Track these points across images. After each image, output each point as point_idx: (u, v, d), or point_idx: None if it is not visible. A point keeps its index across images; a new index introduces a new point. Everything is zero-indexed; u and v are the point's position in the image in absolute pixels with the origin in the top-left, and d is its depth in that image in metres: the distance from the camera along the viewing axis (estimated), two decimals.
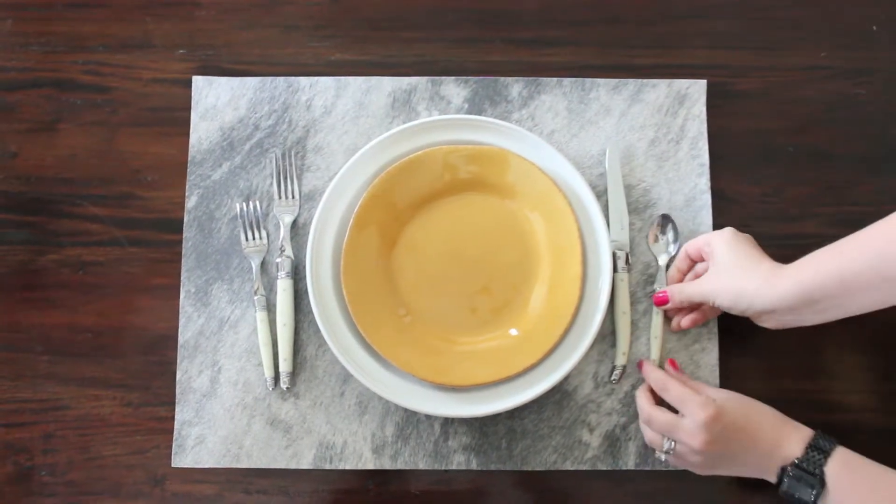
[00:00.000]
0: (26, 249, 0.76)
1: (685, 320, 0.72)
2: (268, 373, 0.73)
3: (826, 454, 0.61)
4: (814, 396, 0.74)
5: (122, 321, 0.75)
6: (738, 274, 0.66)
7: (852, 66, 0.80)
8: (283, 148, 0.77)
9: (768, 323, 0.67)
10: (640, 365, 0.72)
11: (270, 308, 0.74)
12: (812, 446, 0.62)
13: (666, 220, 0.75)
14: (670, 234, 0.75)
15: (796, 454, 0.62)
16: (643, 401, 0.69)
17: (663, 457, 0.67)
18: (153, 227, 0.77)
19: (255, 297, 0.74)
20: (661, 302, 0.71)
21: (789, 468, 0.61)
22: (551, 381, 0.70)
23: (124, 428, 0.73)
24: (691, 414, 0.64)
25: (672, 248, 0.75)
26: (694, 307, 0.73)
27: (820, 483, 0.60)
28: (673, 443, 0.65)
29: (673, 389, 0.66)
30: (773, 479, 0.63)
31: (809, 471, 0.61)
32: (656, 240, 0.75)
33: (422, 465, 0.72)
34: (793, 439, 0.62)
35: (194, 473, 0.73)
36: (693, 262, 0.73)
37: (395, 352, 0.71)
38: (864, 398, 0.74)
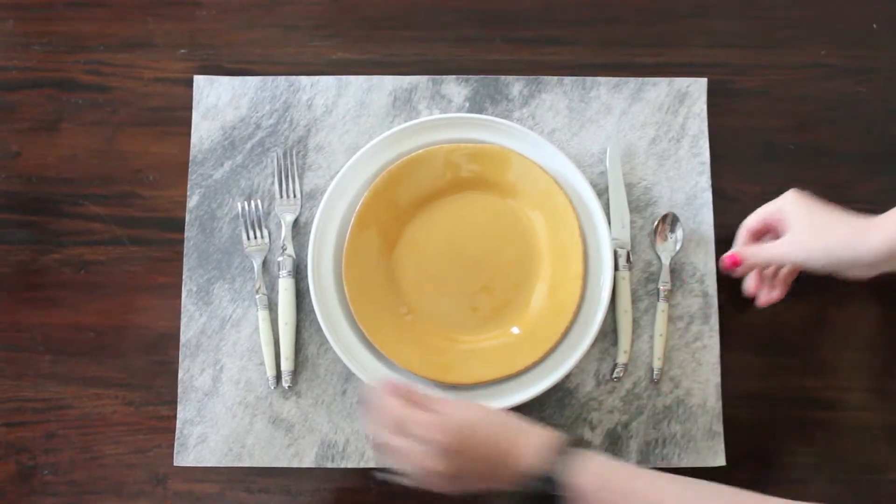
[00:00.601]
0: (28, 249, 0.76)
1: (776, 294, 0.72)
2: (269, 371, 0.73)
3: (566, 460, 0.56)
4: (814, 394, 0.74)
5: (124, 320, 0.75)
6: (823, 230, 0.65)
7: (853, 65, 0.80)
8: (285, 147, 0.77)
9: (860, 273, 0.66)
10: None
11: (272, 307, 0.74)
12: (552, 452, 0.57)
13: (675, 218, 0.75)
14: (679, 233, 0.75)
15: (536, 462, 0.57)
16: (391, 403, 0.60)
17: (400, 478, 0.60)
18: (155, 226, 0.77)
19: (257, 296, 0.74)
20: (732, 265, 0.69)
21: (527, 477, 0.57)
22: (553, 379, 0.70)
23: (126, 427, 0.73)
24: (425, 441, 0.58)
25: (678, 247, 0.75)
26: (770, 275, 0.72)
27: (559, 489, 0.55)
28: (411, 466, 0.59)
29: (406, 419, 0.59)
30: (517, 488, 0.58)
31: (547, 478, 0.56)
32: (665, 238, 0.75)
33: None
34: (532, 447, 0.58)
35: (196, 472, 0.73)
36: (758, 239, 0.71)
37: (396, 350, 0.71)
38: (865, 396, 0.74)
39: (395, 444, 0.59)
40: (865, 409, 0.73)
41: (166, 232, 0.76)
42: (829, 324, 0.75)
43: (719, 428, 0.72)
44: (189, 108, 0.78)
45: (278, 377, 0.73)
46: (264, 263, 0.75)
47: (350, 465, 0.72)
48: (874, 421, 0.73)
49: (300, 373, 0.73)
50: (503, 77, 0.79)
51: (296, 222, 0.76)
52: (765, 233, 0.71)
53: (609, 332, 0.74)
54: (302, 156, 0.77)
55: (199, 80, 0.79)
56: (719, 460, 0.72)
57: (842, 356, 0.74)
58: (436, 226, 0.75)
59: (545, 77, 0.79)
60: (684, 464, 0.72)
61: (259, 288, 0.74)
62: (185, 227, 0.76)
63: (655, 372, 0.73)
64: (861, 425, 0.73)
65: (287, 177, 0.77)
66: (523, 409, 0.73)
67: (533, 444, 0.58)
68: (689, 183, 0.77)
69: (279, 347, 0.73)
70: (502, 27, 0.81)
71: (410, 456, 0.58)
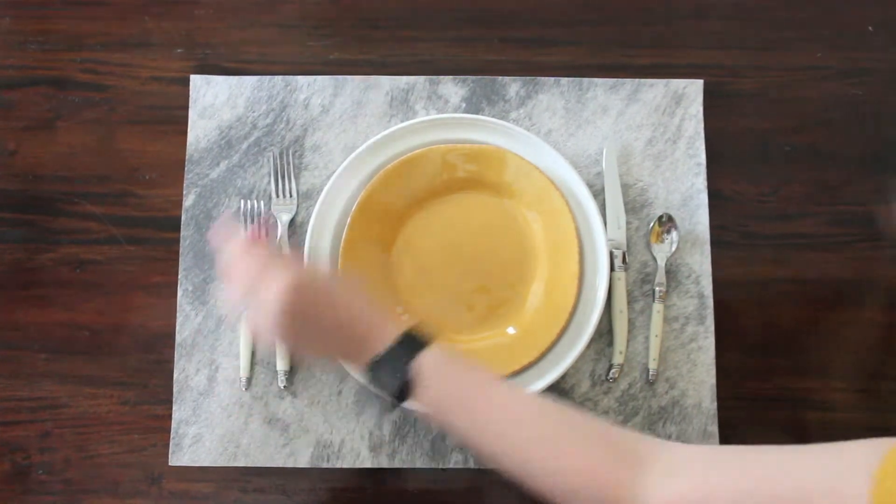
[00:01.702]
0: (24, 247, 0.76)
1: None
2: (243, 373, 0.73)
3: (418, 347, 0.56)
4: (809, 395, 0.74)
5: (120, 319, 0.75)
6: None
7: (848, 66, 0.80)
8: (281, 147, 0.77)
9: None
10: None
11: None
12: (404, 337, 0.56)
13: (670, 220, 0.75)
14: (674, 234, 0.75)
15: (387, 343, 0.56)
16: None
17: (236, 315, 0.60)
18: (151, 225, 0.77)
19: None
20: None
21: (378, 357, 0.56)
22: (548, 379, 0.70)
23: (121, 426, 0.73)
24: (272, 280, 0.56)
25: (674, 248, 0.75)
26: None
27: (406, 374, 0.55)
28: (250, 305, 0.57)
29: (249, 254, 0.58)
30: (363, 371, 0.57)
31: (396, 360, 0.55)
32: (660, 239, 0.75)
33: (419, 464, 0.72)
34: (386, 330, 0.57)
35: (192, 472, 0.72)
36: None
37: None
38: (859, 397, 0.74)
39: (243, 300, 0.57)
40: (859, 410, 0.73)
41: (162, 231, 0.76)
42: (824, 325, 0.75)
43: (714, 429, 0.72)
44: (186, 108, 0.78)
45: (250, 380, 0.73)
46: None
47: (345, 465, 0.72)
48: (868, 421, 0.73)
49: (296, 373, 0.73)
50: (500, 77, 0.79)
51: (292, 222, 0.76)
52: None
53: (605, 332, 0.74)
54: (298, 155, 0.77)
55: (196, 80, 0.79)
56: None
57: (836, 357, 0.75)
58: (432, 226, 0.75)
59: (542, 78, 0.79)
60: None
61: None
62: (181, 227, 0.76)
63: (651, 373, 0.73)
64: (855, 426, 0.73)
65: (283, 176, 0.77)
66: None
67: (387, 326, 0.57)
68: (685, 184, 0.77)
69: (256, 351, 0.73)
70: (499, 28, 0.81)
71: (259, 313, 0.56)
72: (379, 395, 0.57)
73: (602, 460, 0.52)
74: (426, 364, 0.55)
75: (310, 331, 0.57)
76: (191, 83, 0.79)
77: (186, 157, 0.77)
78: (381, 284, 0.73)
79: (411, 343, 0.56)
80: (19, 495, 0.72)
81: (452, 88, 0.79)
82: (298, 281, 0.56)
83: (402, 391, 0.55)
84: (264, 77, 0.79)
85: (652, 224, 0.76)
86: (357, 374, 0.58)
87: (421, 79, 0.79)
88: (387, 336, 0.57)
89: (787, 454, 0.49)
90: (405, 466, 0.72)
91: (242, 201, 0.76)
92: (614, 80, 0.79)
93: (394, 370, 0.55)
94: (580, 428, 0.54)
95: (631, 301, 0.75)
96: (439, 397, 0.56)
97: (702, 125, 0.78)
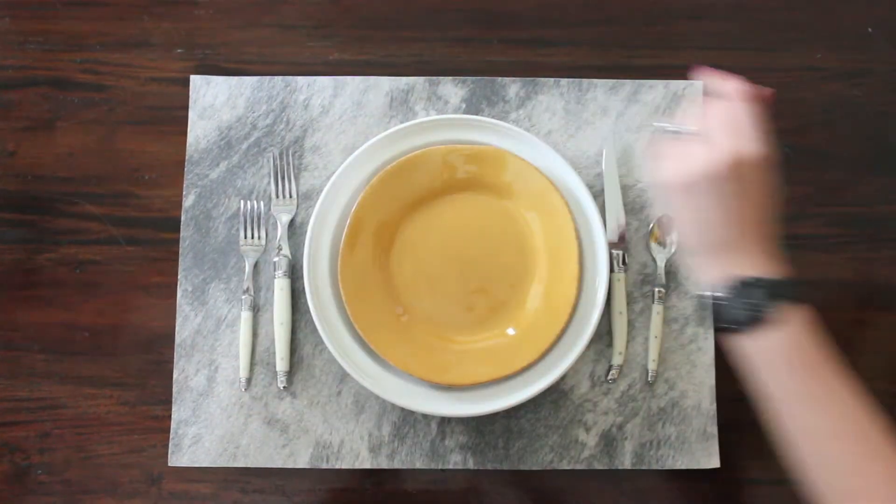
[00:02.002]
0: (23, 248, 0.76)
1: None
2: (243, 374, 0.73)
3: (791, 297, 0.54)
4: None
5: (119, 320, 0.75)
6: None
7: (848, 68, 0.80)
8: (281, 147, 0.77)
9: None
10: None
11: (258, 309, 0.74)
12: (784, 280, 0.54)
13: (670, 221, 0.75)
14: (674, 235, 0.75)
15: (768, 273, 0.54)
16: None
17: (661, 132, 0.58)
18: (151, 225, 0.77)
19: (243, 297, 0.73)
20: None
21: (755, 279, 0.54)
22: (548, 380, 0.70)
23: (121, 427, 0.73)
24: (734, 139, 0.55)
25: (673, 249, 0.75)
26: None
27: (768, 310, 0.53)
28: (691, 140, 0.56)
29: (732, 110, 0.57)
30: (727, 281, 0.54)
31: (766, 293, 0.53)
32: (660, 240, 0.75)
33: (419, 465, 0.72)
34: (766, 260, 0.55)
35: (191, 472, 0.73)
36: None
37: (392, 351, 0.71)
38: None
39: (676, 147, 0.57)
40: None
41: (162, 232, 0.76)
42: (822, 326, 0.75)
43: (714, 430, 0.72)
44: (186, 108, 0.78)
45: (249, 381, 0.73)
46: (257, 264, 0.75)
47: (345, 466, 0.72)
48: None
49: (295, 373, 0.73)
50: (500, 78, 0.79)
51: (292, 223, 0.76)
52: None
53: (604, 333, 0.74)
54: (298, 156, 0.77)
55: (196, 80, 0.79)
56: (713, 462, 0.72)
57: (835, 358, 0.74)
58: (432, 226, 0.75)
59: (542, 78, 0.79)
60: (679, 465, 0.72)
61: (248, 289, 0.74)
62: (181, 227, 0.76)
63: (650, 374, 0.73)
64: None
65: (283, 177, 0.77)
66: (518, 410, 0.73)
67: (775, 258, 0.55)
68: None
69: (256, 348, 0.73)
70: (499, 28, 0.81)
71: (694, 157, 0.55)
72: (721, 309, 0.54)
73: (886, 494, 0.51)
74: (789, 316, 0.53)
75: (710, 204, 0.55)
76: (191, 83, 0.79)
77: (186, 157, 0.77)
78: (381, 285, 0.73)
79: (787, 289, 0.54)
80: (19, 496, 0.72)
81: (452, 89, 0.79)
82: (746, 159, 0.55)
83: (751, 322, 0.53)
84: (264, 77, 0.79)
85: (652, 225, 0.76)
86: (711, 279, 0.56)
87: (421, 79, 0.79)
88: (765, 266, 0.55)
89: None
90: (404, 467, 0.72)
91: (242, 202, 0.76)
92: (614, 80, 0.79)
93: (760, 299, 0.53)
94: (881, 460, 0.53)
95: (630, 302, 0.75)
96: (779, 354, 0.53)
97: None
